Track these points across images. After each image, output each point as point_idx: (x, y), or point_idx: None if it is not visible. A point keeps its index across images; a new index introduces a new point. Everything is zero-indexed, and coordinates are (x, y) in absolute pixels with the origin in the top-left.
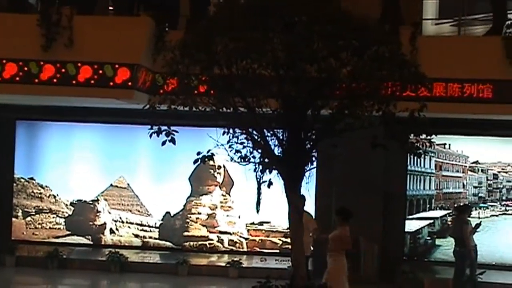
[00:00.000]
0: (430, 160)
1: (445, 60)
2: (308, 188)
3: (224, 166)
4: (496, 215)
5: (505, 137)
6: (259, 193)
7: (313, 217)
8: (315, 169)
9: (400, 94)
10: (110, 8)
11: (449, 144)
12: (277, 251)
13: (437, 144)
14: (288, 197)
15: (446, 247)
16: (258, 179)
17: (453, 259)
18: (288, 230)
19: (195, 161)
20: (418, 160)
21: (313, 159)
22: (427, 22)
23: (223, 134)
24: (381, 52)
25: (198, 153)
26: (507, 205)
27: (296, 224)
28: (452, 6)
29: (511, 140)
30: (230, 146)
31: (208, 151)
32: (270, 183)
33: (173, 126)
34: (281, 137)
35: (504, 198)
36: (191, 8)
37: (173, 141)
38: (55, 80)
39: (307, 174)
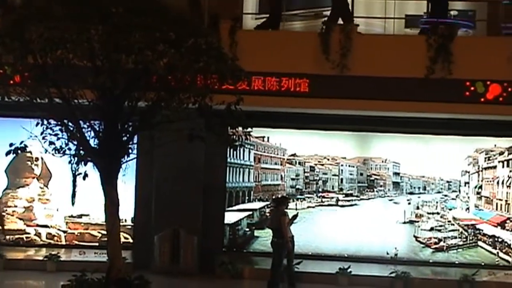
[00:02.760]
0: (249, 152)
1: (263, 54)
2: (125, 180)
3: (42, 158)
4: (313, 207)
5: (321, 131)
6: (74, 185)
7: None
8: (135, 161)
9: (219, 87)
10: None
11: (268, 137)
12: (96, 244)
13: (256, 137)
14: (104, 189)
15: (265, 238)
16: (73, 171)
17: (271, 250)
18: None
19: (7, 153)
20: (238, 152)
21: (131, 151)
22: (248, 17)
23: (37, 125)
24: (199, 45)
25: (11, 145)
26: (323, 197)
27: (112, 217)
28: None
29: (327, 134)
30: (43, 138)
31: (21, 142)
32: (85, 175)
33: None
34: (97, 129)
35: (320, 190)
36: None
37: None
38: None
39: (124, 166)
